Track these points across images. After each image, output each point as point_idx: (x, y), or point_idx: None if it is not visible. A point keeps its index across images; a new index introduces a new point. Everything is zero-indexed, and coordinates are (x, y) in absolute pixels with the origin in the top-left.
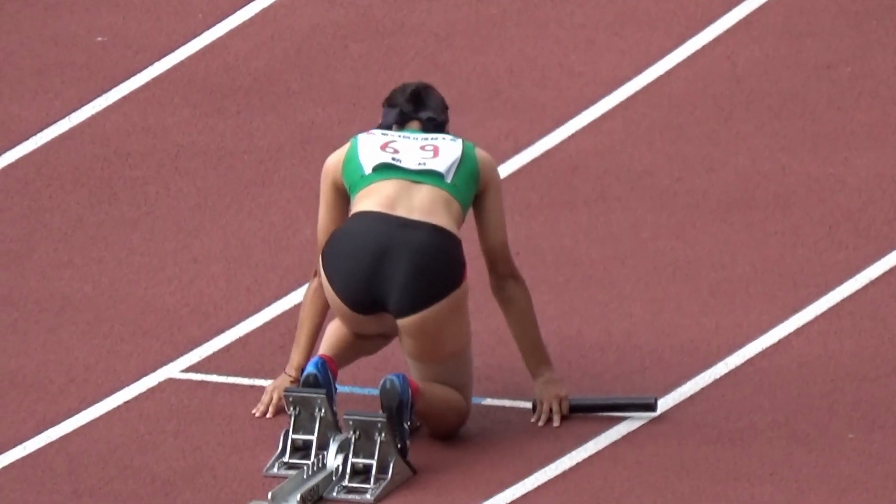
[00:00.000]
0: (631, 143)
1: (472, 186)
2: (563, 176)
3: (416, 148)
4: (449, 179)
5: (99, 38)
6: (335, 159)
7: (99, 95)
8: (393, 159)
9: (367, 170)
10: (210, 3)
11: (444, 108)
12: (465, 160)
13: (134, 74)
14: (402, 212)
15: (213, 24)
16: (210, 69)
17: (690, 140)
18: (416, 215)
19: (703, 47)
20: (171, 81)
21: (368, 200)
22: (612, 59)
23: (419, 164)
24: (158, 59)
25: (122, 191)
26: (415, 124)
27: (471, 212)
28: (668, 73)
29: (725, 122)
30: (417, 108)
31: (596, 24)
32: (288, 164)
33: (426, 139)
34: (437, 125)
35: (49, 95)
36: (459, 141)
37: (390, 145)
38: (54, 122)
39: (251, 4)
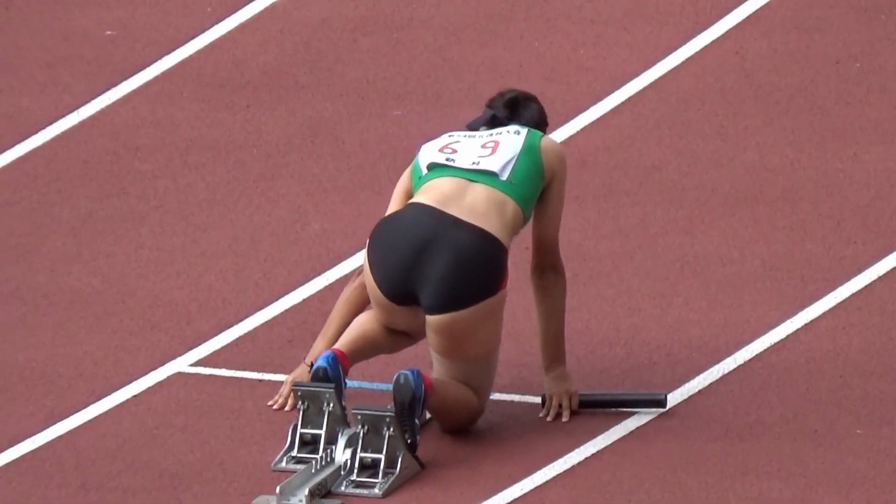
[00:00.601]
0: (639, 138)
1: (537, 179)
2: (571, 171)
3: (476, 146)
4: (504, 177)
5: (108, 32)
6: (408, 169)
7: (108, 89)
8: (447, 160)
9: (424, 170)
10: None
11: (541, 122)
12: (527, 153)
13: (143, 68)
14: (453, 210)
15: (222, 19)
16: (219, 63)
17: (699, 135)
18: (466, 216)
19: (712, 42)
20: (180, 75)
21: (424, 195)
22: (620, 54)
23: (473, 163)
24: (167, 53)
25: (130, 185)
26: None
27: None
28: (677, 69)
29: (734, 118)
30: (512, 116)
31: (605, 19)
32: (296, 158)
33: (490, 135)
34: None
35: (58, 89)
36: (524, 133)
37: (450, 146)
38: (63, 115)
39: None
